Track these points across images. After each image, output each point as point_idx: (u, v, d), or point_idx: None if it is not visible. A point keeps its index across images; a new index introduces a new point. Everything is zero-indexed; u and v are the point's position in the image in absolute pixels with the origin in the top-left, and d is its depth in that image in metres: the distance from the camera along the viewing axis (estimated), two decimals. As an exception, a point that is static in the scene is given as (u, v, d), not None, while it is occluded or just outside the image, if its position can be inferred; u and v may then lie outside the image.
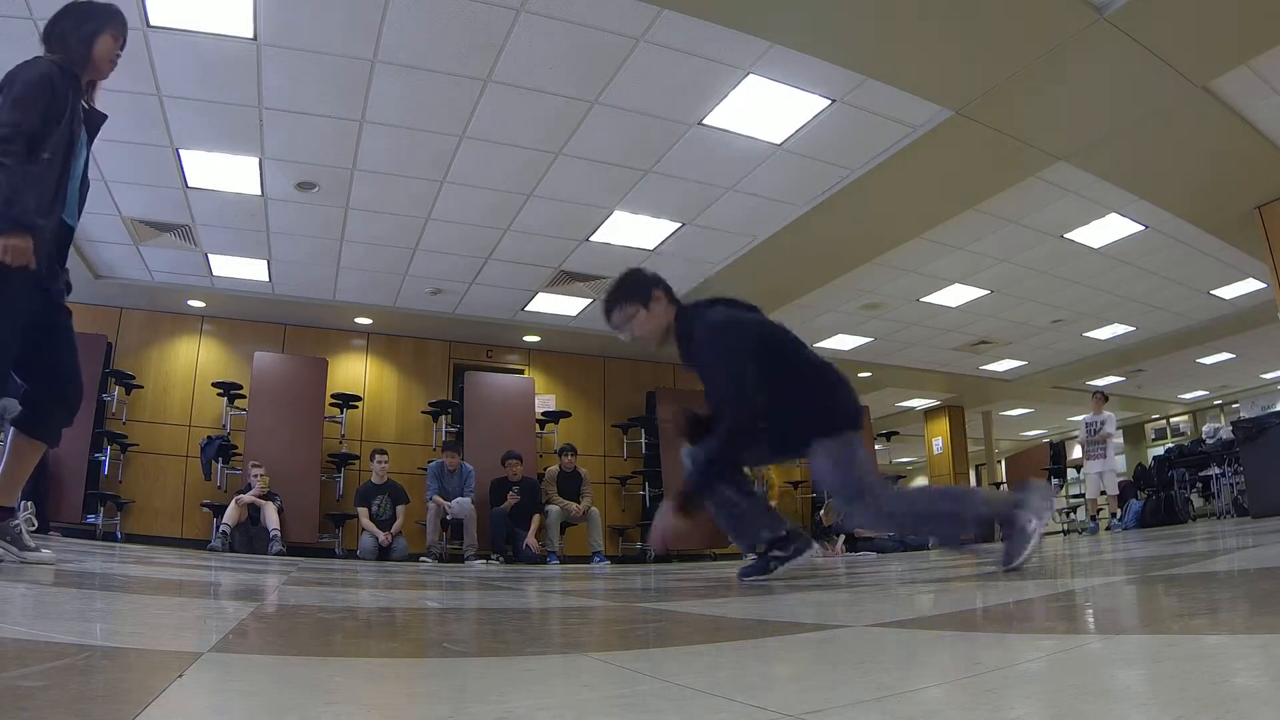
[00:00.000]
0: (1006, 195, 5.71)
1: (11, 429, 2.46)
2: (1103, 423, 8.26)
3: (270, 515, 6.71)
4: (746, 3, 3.70)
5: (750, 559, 2.81)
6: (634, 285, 2.73)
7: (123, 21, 2.48)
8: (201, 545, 6.76)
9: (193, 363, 8.09)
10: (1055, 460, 11.47)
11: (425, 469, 7.48)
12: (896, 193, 5.61)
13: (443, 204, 5.88)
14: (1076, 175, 5.47)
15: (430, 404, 8.67)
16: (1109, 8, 3.67)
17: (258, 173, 5.41)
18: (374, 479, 7.30)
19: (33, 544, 2.54)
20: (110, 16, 2.44)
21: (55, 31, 2.36)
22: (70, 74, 2.30)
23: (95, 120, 2.50)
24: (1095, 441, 8.27)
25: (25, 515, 2.57)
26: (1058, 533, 11.12)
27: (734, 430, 2.46)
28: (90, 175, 2.57)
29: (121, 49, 2.48)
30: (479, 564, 6.44)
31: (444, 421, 8.68)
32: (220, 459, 7.56)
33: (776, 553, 2.71)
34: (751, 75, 4.37)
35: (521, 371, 9.39)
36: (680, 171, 5.36)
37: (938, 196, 5.72)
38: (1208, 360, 11.37)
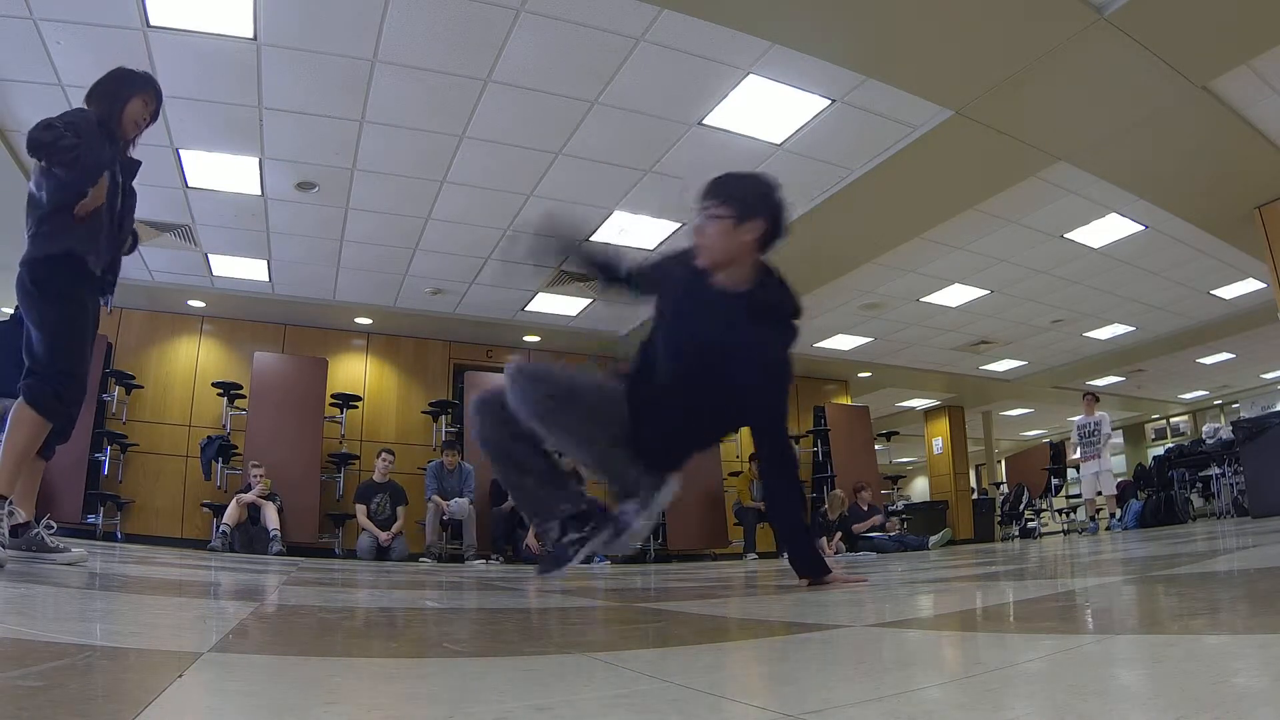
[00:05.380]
0: (1006, 195, 5.70)
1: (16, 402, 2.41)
2: (1098, 424, 8.27)
3: (270, 515, 6.70)
4: (746, 3, 3.70)
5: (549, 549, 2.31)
6: (756, 196, 2.24)
7: (157, 91, 2.67)
8: (201, 545, 6.75)
9: (193, 363, 8.09)
10: (1055, 460, 11.46)
11: (425, 469, 7.48)
12: (897, 193, 5.61)
13: (443, 204, 5.88)
14: (1076, 175, 5.47)
15: (430, 404, 8.66)
16: (1109, 8, 3.67)
17: (258, 173, 5.41)
18: (375, 477, 7.30)
19: (61, 545, 2.56)
20: (145, 85, 2.64)
21: (96, 90, 2.57)
22: (107, 129, 2.52)
23: (131, 166, 2.70)
24: (1089, 442, 8.29)
25: (45, 520, 2.59)
26: (1058, 533, 11.12)
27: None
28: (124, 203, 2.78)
29: (153, 117, 2.68)
30: (479, 564, 6.44)
31: (444, 421, 8.68)
32: (220, 459, 7.56)
33: (572, 535, 2.20)
34: (751, 75, 4.37)
35: (521, 371, 9.37)
36: (680, 171, 5.36)
37: (938, 196, 5.72)
38: (1208, 360, 11.36)
